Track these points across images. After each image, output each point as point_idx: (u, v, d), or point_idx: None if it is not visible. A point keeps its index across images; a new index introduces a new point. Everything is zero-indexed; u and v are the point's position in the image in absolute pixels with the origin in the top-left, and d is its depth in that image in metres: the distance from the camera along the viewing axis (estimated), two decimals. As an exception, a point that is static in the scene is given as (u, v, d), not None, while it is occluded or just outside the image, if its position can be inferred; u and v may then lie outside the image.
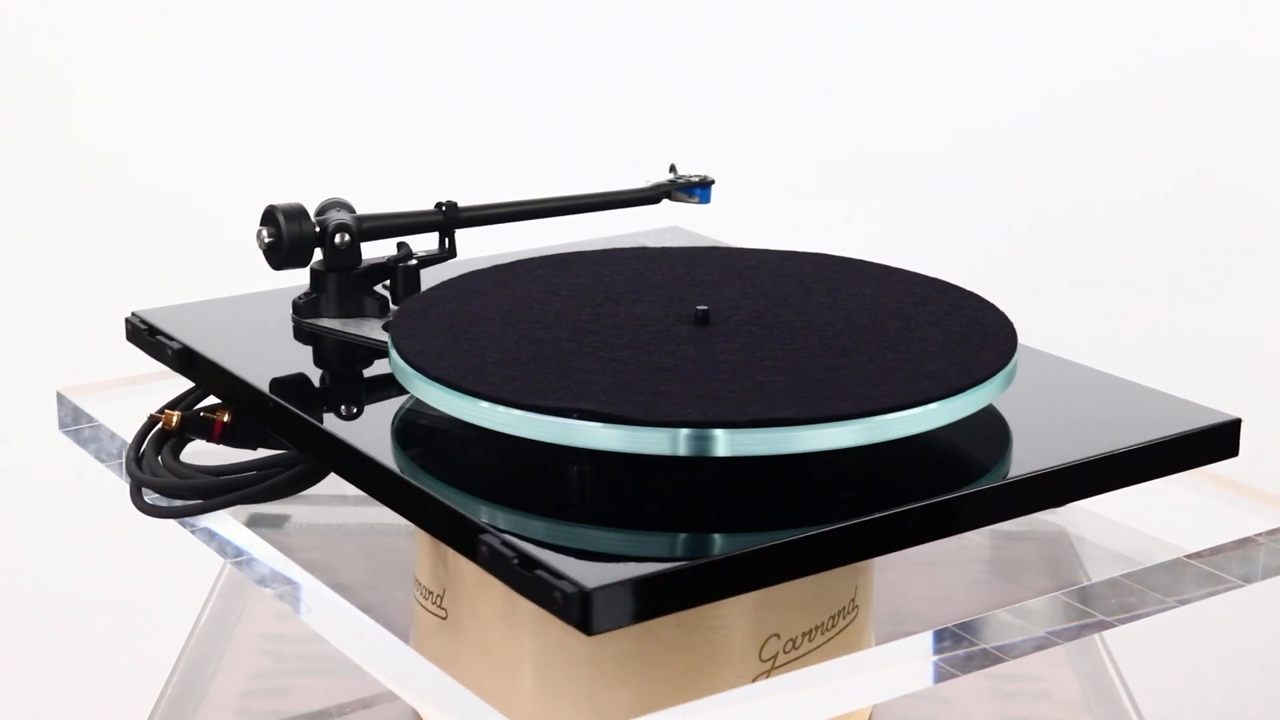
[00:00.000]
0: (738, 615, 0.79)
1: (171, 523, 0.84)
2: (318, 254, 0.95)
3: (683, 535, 0.73)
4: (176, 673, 0.96)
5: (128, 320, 0.97)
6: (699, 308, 0.85)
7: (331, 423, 0.82)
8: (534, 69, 1.59)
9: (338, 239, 0.94)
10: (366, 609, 0.87)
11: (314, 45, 1.57)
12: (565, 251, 0.98)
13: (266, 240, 0.94)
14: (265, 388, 0.86)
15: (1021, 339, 0.85)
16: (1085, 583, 0.87)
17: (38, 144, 1.59)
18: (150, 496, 0.86)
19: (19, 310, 1.63)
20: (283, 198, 0.95)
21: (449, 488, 0.75)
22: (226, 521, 0.84)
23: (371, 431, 0.81)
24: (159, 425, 0.88)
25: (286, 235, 0.93)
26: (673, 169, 1.06)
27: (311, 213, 0.95)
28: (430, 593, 0.84)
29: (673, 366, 0.79)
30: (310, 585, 0.80)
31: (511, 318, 0.85)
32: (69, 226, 1.61)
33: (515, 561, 0.69)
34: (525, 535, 0.70)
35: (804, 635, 0.81)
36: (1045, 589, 0.90)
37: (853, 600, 0.84)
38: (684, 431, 0.73)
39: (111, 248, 1.62)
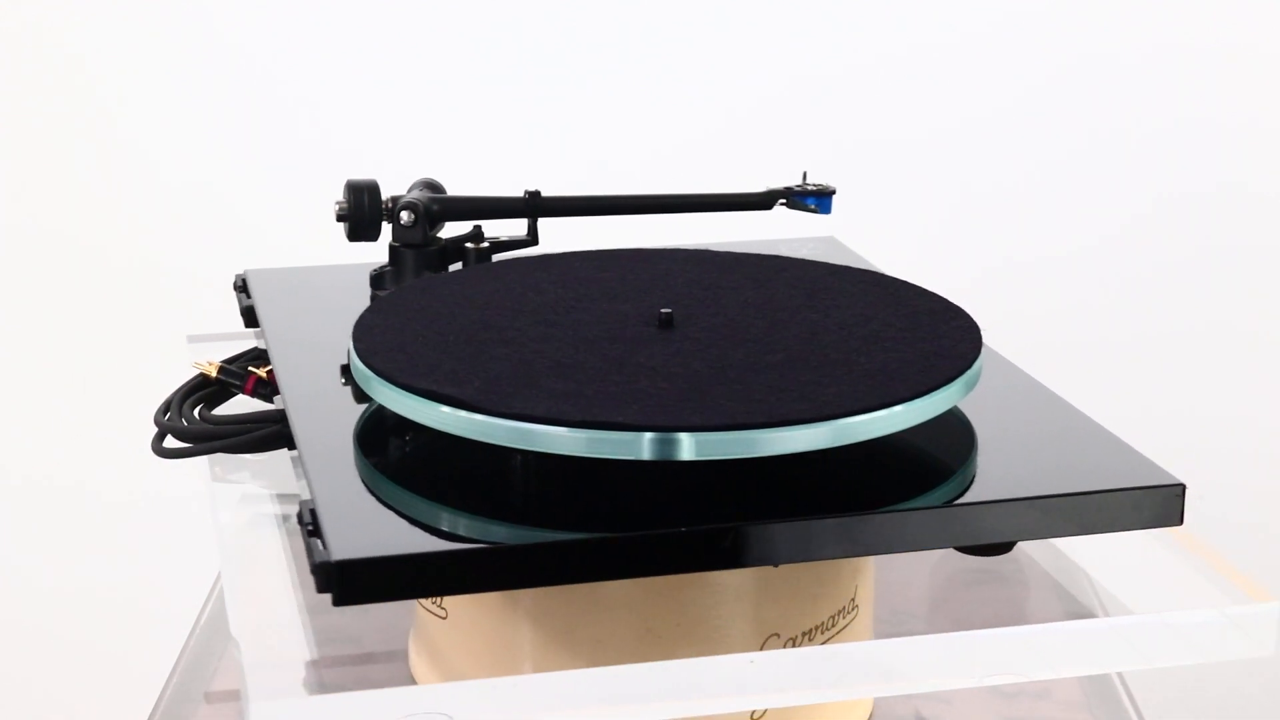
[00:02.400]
0: (738, 614, 0.79)
1: (172, 523, 0.85)
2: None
3: (487, 523, 0.73)
4: (176, 672, 0.96)
5: (236, 277, 1.03)
6: (662, 310, 0.85)
7: (292, 393, 0.85)
8: (534, 69, 1.58)
9: (403, 216, 0.98)
10: (367, 609, 0.88)
11: (314, 45, 1.58)
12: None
13: (339, 212, 0.99)
14: (276, 351, 0.91)
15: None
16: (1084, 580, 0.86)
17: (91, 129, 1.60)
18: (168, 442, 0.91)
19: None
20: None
21: (333, 463, 0.77)
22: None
23: (320, 408, 0.84)
24: (200, 374, 0.94)
25: (352, 208, 0.98)
26: (804, 176, 1.05)
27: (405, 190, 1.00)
28: None
29: (579, 364, 0.79)
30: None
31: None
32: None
33: (309, 528, 0.70)
34: (339, 505, 0.72)
35: (804, 635, 0.80)
36: (1046, 588, 0.91)
37: (853, 600, 0.83)
38: (511, 423, 0.74)
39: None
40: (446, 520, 0.73)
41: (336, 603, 0.67)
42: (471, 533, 0.71)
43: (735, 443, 0.72)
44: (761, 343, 0.82)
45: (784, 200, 1.04)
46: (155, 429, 0.91)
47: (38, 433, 1.61)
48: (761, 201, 1.04)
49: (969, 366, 0.79)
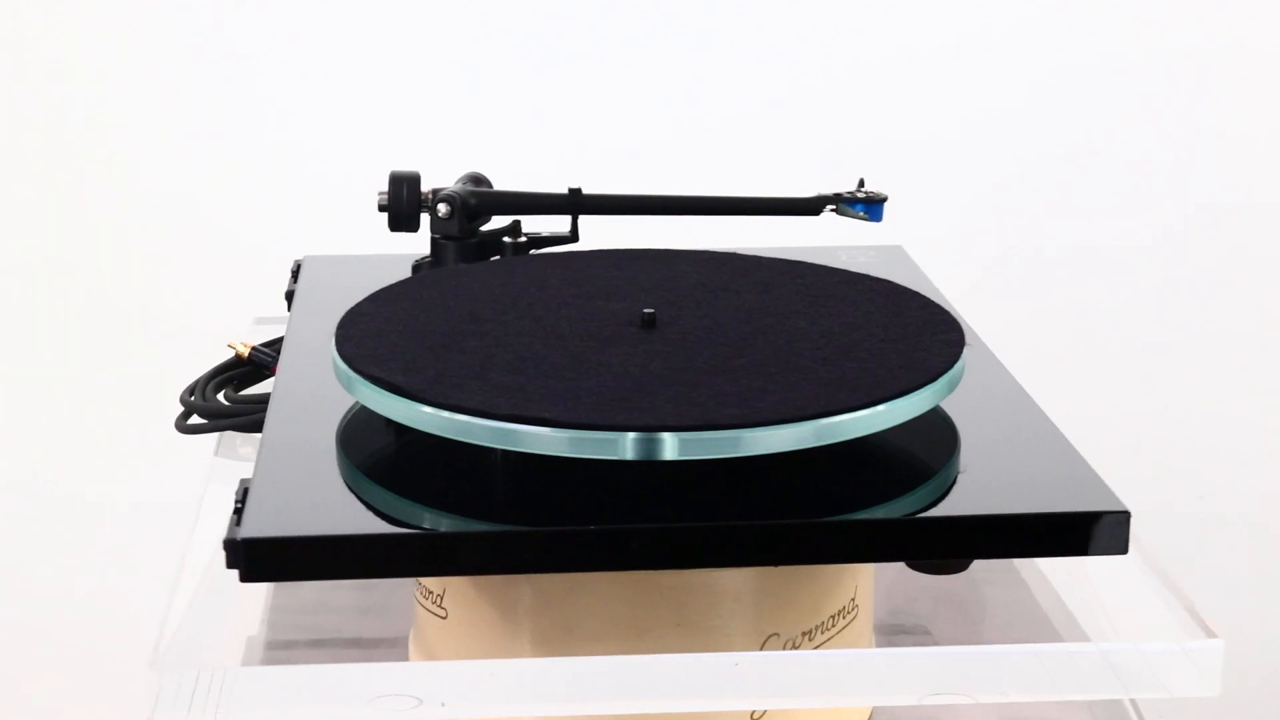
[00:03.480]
0: (738, 615, 0.79)
1: (173, 524, 0.87)
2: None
3: (414, 510, 0.74)
4: None
5: (295, 262, 1.07)
6: (645, 310, 0.85)
7: (283, 375, 0.88)
8: (535, 68, 1.56)
9: (440, 209, 1.00)
10: (366, 609, 0.92)
11: (313, 44, 1.57)
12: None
13: (380, 202, 1.01)
14: (290, 334, 0.93)
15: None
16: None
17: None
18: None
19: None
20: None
21: (288, 445, 0.79)
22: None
23: (302, 392, 0.86)
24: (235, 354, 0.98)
25: (391, 198, 1.01)
26: (860, 184, 1.03)
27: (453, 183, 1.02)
28: (430, 592, 0.84)
29: (538, 360, 0.80)
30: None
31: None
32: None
33: (238, 505, 0.72)
34: (273, 486, 0.74)
35: (804, 635, 0.80)
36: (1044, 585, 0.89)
37: (853, 600, 0.83)
38: (451, 415, 0.75)
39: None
40: (369, 505, 0.74)
41: (243, 579, 0.69)
42: (390, 519, 0.73)
43: (597, 443, 0.72)
44: (733, 347, 0.82)
45: (833, 206, 1.03)
46: (181, 407, 0.95)
47: (38, 433, 1.64)
48: (810, 207, 1.03)
49: (917, 387, 0.77)
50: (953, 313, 0.90)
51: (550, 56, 1.54)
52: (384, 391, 0.77)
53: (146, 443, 1.48)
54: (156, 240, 1.57)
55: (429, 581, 0.84)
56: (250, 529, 0.70)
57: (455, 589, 0.81)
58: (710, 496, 0.74)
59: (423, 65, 1.54)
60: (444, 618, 0.83)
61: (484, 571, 0.72)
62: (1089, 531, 0.72)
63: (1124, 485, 1.44)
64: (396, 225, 1.01)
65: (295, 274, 1.05)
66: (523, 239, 1.02)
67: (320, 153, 1.56)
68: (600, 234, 1.05)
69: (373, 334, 0.83)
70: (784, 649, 0.79)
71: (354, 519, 0.73)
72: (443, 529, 0.72)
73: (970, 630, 0.91)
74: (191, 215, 1.56)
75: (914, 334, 0.84)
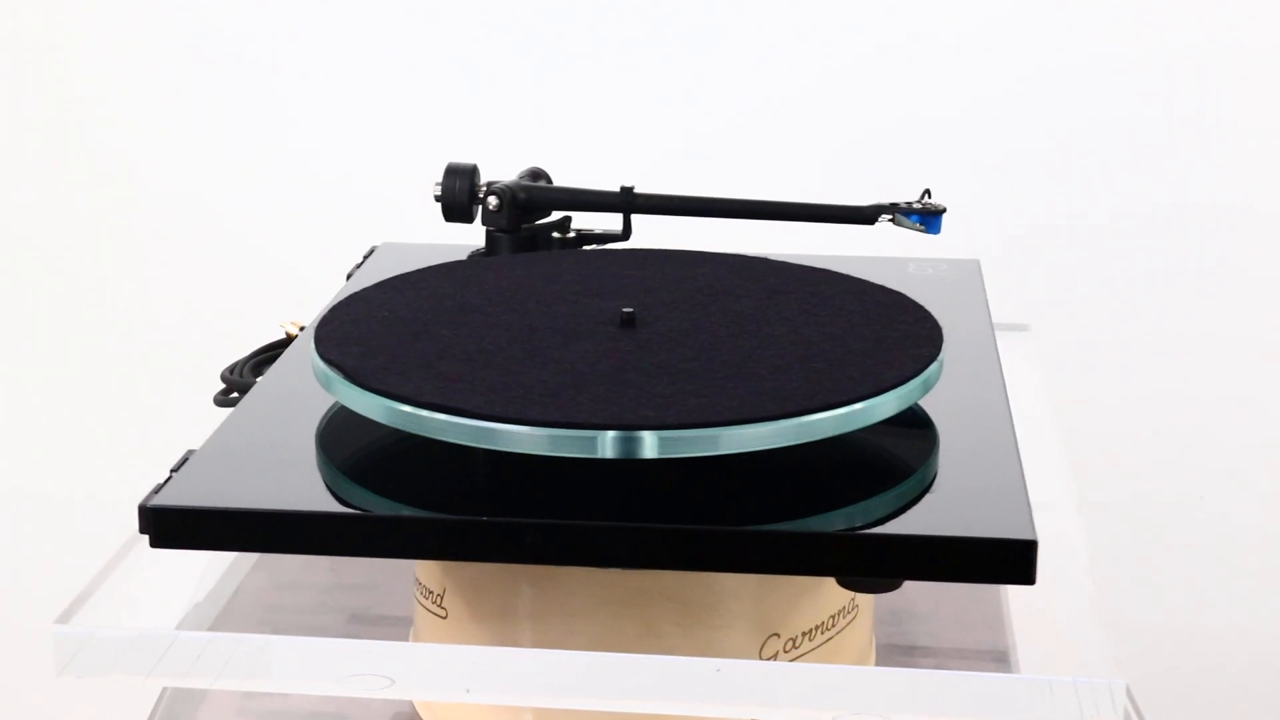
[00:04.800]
0: (738, 614, 0.79)
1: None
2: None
3: (345, 489, 0.75)
4: None
5: (370, 248, 1.11)
6: (624, 310, 0.86)
7: (288, 356, 0.91)
8: (537, 69, 1.55)
9: (490, 202, 1.02)
10: (366, 609, 0.95)
11: (311, 44, 1.58)
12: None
13: (435, 193, 1.04)
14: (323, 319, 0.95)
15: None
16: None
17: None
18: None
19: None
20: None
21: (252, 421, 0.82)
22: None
23: (296, 373, 0.88)
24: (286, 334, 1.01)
25: (445, 190, 1.03)
26: (925, 194, 1.02)
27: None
28: (430, 592, 0.85)
29: (491, 353, 0.81)
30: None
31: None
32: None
33: (171, 472, 0.76)
34: (216, 457, 0.77)
35: (804, 635, 0.81)
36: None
37: (853, 600, 0.83)
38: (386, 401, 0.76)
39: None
40: (293, 483, 0.76)
41: (153, 544, 0.73)
42: (303, 499, 0.74)
43: (475, 432, 0.74)
44: (698, 349, 0.82)
45: (889, 216, 1.01)
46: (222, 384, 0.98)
47: (38, 432, 1.67)
48: (866, 216, 1.01)
49: (848, 402, 0.76)
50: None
51: (550, 57, 1.55)
52: (330, 370, 0.79)
53: (147, 443, 1.54)
54: (158, 241, 1.61)
55: (429, 581, 0.85)
56: (162, 498, 0.73)
57: (455, 589, 0.83)
58: (569, 495, 0.74)
59: (422, 65, 1.56)
60: (444, 618, 0.84)
61: (370, 554, 0.73)
62: (990, 559, 0.70)
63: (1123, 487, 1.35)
64: (451, 216, 1.04)
65: (366, 257, 1.09)
66: (572, 235, 1.03)
67: (320, 153, 1.59)
68: (655, 234, 1.06)
69: (361, 317, 0.86)
70: (784, 648, 0.80)
71: (264, 495, 0.75)
72: (334, 510, 0.73)
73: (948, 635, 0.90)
74: (191, 216, 1.60)
75: (886, 349, 0.82)
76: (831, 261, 0.99)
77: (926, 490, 0.75)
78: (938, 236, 1.01)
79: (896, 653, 0.91)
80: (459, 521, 0.72)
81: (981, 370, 0.89)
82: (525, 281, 0.92)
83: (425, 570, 0.85)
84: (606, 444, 0.72)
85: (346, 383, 0.78)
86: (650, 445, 0.72)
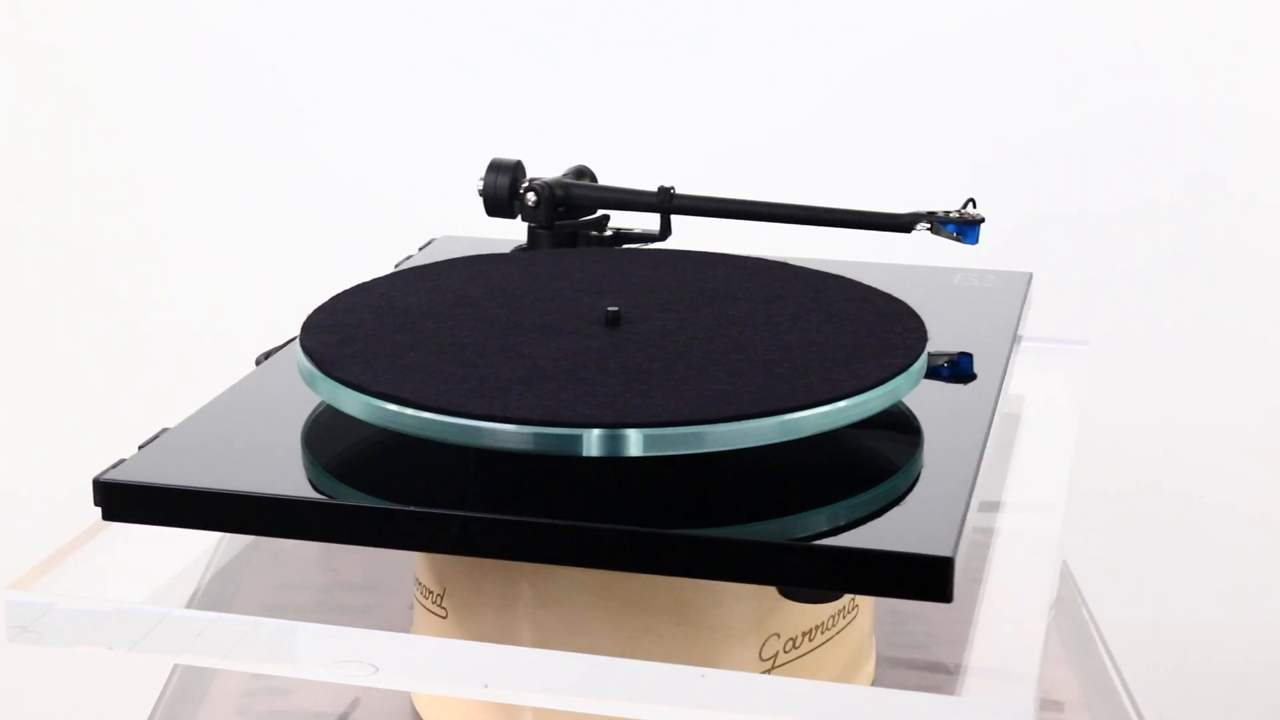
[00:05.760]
0: (738, 614, 0.80)
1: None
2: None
3: (302, 475, 0.77)
4: (177, 672, 0.96)
5: (428, 239, 1.13)
6: (609, 309, 0.86)
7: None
8: (539, 68, 1.53)
9: (529, 198, 1.04)
10: (366, 608, 0.97)
11: (311, 44, 1.57)
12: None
13: (478, 188, 1.06)
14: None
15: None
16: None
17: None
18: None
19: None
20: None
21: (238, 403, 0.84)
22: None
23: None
24: None
25: (486, 185, 1.05)
26: (969, 204, 1.01)
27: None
28: (430, 592, 0.85)
29: (461, 348, 0.82)
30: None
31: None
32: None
33: (140, 447, 0.78)
34: (188, 436, 0.79)
35: (804, 635, 0.81)
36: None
37: (853, 600, 0.83)
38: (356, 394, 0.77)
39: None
40: (251, 467, 0.78)
41: (105, 518, 0.75)
42: (258, 482, 0.76)
43: (422, 423, 0.75)
44: (670, 350, 0.82)
45: (926, 225, 1.00)
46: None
47: (37, 434, 1.68)
48: (903, 224, 1.00)
49: (825, 402, 0.76)
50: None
51: (550, 56, 1.55)
52: (303, 356, 0.81)
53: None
54: (162, 241, 1.63)
55: (428, 581, 0.86)
56: (117, 473, 0.75)
57: (454, 589, 0.84)
58: (535, 491, 0.75)
59: (421, 65, 1.57)
60: (444, 617, 0.85)
61: (309, 537, 0.75)
62: (908, 575, 0.69)
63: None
64: (492, 211, 1.05)
65: (421, 248, 1.11)
66: (608, 233, 1.04)
67: (318, 152, 1.60)
68: (703, 236, 1.06)
69: (357, 305, 0.87)
70: (784, 648, 0.80)
71: (212, 476, 0.76)
72: (275, 493, 0.74)
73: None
74: (193, 216, 1.62)
75: (868, 355, 0.81)
76: (874, 269, 0.98)
77: (869, 502, 0.75)
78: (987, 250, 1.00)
79: (898, 652, 0.92)
80: (386, 510, 0.73)
81: (980, 384, 0.87)
82: (533, 277, 0.93)
83: (425, 570, 0.86)
84: (493, 436, 0.73)
85: (312, 368, 0.80)
86: (521, 440, 0.73)
